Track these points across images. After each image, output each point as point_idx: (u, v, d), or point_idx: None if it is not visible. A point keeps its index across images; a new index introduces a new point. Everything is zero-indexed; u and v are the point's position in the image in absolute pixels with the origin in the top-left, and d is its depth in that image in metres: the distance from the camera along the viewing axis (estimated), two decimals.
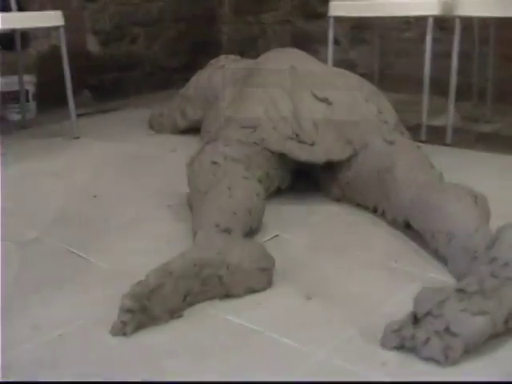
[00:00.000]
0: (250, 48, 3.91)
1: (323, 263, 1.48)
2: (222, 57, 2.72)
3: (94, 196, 1.96)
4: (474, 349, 1.09)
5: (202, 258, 1.28)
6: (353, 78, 2.04)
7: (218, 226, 1.43)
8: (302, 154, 1.82)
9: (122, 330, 1.18)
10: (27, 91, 3.08)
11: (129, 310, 1.18)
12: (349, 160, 1.82)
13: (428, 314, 1.12)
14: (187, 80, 2.75)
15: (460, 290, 1.14)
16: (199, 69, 2.74)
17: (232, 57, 2.69)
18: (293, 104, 1.90)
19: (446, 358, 1.07)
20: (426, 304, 1.13)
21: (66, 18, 3.31)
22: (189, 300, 1.27)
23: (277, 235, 1.65)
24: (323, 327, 1.20)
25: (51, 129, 2.83)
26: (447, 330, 1.09)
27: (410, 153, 1.73)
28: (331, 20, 2.64)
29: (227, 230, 1.41)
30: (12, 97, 3.03)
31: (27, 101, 3.09)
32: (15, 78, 2.95)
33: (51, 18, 2.48)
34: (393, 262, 1.47)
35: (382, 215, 1.72)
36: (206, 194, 1.62)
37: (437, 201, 1.50)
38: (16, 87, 2.99)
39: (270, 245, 1.58)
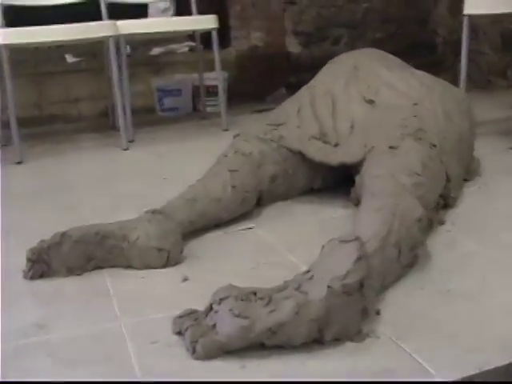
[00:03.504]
0: None
1: (240, 256, 1.53)
2: None
3: (164, 178, 2.22)
4: (232, 349, 1.09)
5: (105, 230, 1.47)
6: (423, 85, 1.93)
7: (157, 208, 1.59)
8: (318, 154, 1.84)
9: (25, 275, 1.46)
10: (217, 86, 3.46)
11: (28, 260, 1.45)
12: (362, 164, 1.77)
13: (211, 308, 1.15)
14: None
15: (253, 293, 1.14)
16: None
17: None
18: (333, 103, 1.91)
19: (193, 351, 1.10)
20: (212, 299, 1.16)
21: (267, 19, 3.65)
22: (93, 263, 1.48)
23: (251, 227, 1.72)
24: (159, 302, 1.31)
25: (217, 121, 3.14)
26: (214, 326, 1.11)
27: (398, 159, 1.62)
28: (466, 19, 2.44)
29: (154, 212, 1.56)
30: (206, 90, 3.44)
31: (216, 95, 3.47)
32: (209, 74, 3.36)
33: (206, 22, 2.80)
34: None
35: None
36: None
37: (361, 209, 1.43)
38: (211, 82, 3.40)
39: (235, 234, 1.69)
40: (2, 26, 2.81)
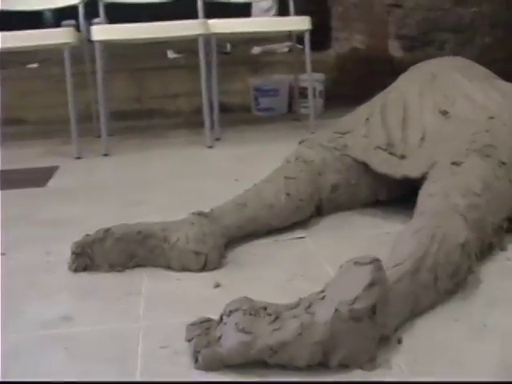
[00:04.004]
0: None
1: (281, 266, 1.51)
2: None
3: (236, 180, 2.21)
4: (232, 363, 1.07)
5: (147, 230, 1.50)
6: (504, 98, 1.81)
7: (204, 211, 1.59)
8: (381, 166, 1.76)
9: (70, 266, 1.52)
10: (314, 88, 3.42)
11: (73, 253, 1.51)
12: (425, 178, 1.68)
13: (221, 319, 1.13)
14: None
15: (263, 308, 1.11)
16: None
17: None
18: (405, 112, 1.83)
19: (196, 361, 1.09)
20: (224, 310, 1.14)
21: (369, 22, 3.55)
22: (135, 261, 1.51)
23: (302, 237, 1.69)
24: (185, 307, 1.32)
25: (309, 123, 3.08)
26: (220, 338, 1.10)
27: (458, 176, 1.52)
28: None
29: (200, 214, 1.56)
30: (301, 92, 3.41)
31: (313, 97, 3.42)
32: (306, 76, 3.31)
33: (299, 23, 2.76)
34: None
35: None
36: None
37: (404, 228, 1.36)
38: (306, 84, 3.35)
39: (285, 242, 1.67)
40: (105, 23, 2.94)
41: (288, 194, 1.68)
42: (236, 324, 1.07)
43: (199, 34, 2.63)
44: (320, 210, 1.81)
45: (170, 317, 1.28)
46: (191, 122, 3.24)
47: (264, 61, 3.61)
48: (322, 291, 1.11)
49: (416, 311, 1.23)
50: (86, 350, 1.17)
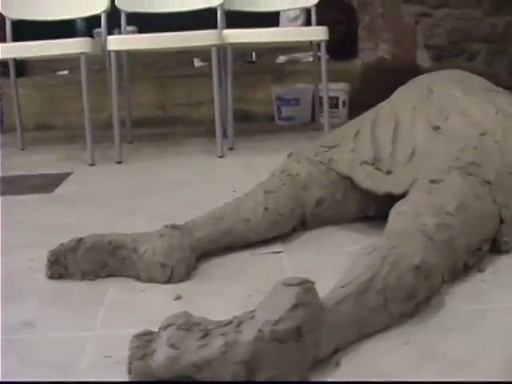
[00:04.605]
0: None
1: (246, 280, 1.50)
2: None
3: (234, 191, 2.20)
4: (162, 378, 1.08)
5: (118, 240, 1.53)
6: (499, 113, 1.77)
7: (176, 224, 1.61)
8: (365, 181, 1.74)
9: (46, 273, 1.56)
10: (338, 98, 3.40)
11: (48, 260, 1.55)
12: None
13: (159, 332, 1.15)
14: None
15: (197, 324, 1.12)
16: None
17: None
18: (395, 127, 1.81)
19: (129, 373, 1.10)
20: (162, 324, 1.15)
21: (396, 31, 3.51)
22: (107, 271, 1.54)
23: (280, 251, 1.68)
24: (140, 318, 1.33)
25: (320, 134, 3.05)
26: (154, 351, 1.11)
27: (433, 195, 1.48)
28: None
29: (172, 227, 1.57)
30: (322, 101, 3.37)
31: (337, 107, 3.41)
32: (332, 85, 3.29)
33: (316, 33, 2.75)
34: None
35: None
36: None
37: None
38: (332, 93, 3.33)
39: (260, 256, 1.67)
40: (126, 32, 3.01)
41: (266, 208, 1.68)
42: (168, 339, 1.08)
43: (213, 45, 2.65)
44: (304, 225, 1.80)
45: (123, 327, 1.30)
46: (211, 130, 3.27)
47: (288, 70, 3.62)
48: (253, 310, 1.11)
49: (363, 333, 1.21)
50: (35, 356, 1.20)
